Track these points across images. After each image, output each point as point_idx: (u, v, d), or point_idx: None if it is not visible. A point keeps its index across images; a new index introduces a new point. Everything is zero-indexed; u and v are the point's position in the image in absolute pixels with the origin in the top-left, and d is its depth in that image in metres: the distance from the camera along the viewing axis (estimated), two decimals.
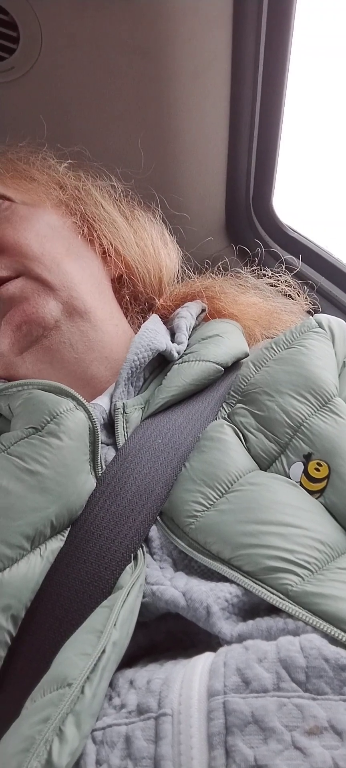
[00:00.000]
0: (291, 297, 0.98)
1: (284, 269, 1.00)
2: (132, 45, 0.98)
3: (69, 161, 0.92)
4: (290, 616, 0.49)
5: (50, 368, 0.75)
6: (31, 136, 0.91)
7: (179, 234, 1.05)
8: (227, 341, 0.80)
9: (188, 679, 0.43)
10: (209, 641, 0.51)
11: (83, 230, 0.86)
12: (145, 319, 0.88)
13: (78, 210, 0.87)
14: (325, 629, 0.47)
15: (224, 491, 0.59)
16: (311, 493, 0.60)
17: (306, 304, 0.99)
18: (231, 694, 0.40)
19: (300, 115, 1.26)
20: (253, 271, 0.99)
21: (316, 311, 1.02)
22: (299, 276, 1.28)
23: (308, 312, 1.01)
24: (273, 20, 0.98)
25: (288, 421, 0.64)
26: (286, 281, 0.98)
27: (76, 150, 0.93)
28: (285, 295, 0.98)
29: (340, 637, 0.46)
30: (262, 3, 0.93)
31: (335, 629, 0.47)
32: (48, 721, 0.40)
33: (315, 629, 0.47)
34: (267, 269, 1.00)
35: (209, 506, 0.58)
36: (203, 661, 0.45)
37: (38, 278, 0.75)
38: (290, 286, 0.98)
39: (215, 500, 0.59)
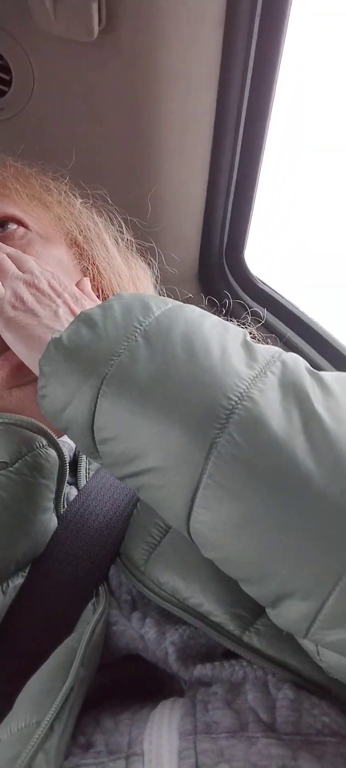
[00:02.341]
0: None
1: (250, 321, 1.02)
2: (122, 97, 1.00)
3: (86, 201, 0.92)
4: (247, 662, 0.48)
5: (34, 407, 0.73)
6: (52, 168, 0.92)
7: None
8: None
9: (158, 720, 0.43)
10: (172, 684, 0.51)
11: (92, 275, 0.86)
12: None
13: (89, 253, 0.88)
14: (283, 674, 0.47)
15: (168, 528, 0.58)
16: None
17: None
18: (202, 734, 0.41)
19: (276, 175, 1.31)
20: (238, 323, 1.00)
21: None
22: (268, 327, 1.33)
23: None
24: (255, 91, 1.02)
25: None
26: (251, 333, 1.00)
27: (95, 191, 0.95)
28: None
29: (299, 681, 0.46)
30: (246, 73, 0.98)
31: (291, 674, 0.47)
32: (18, 759, 0.39)
33: (276, 673, 0.47)
34: (234, 320, 1.02)
35: (157, 543, 0.58)
36: (172, 702, 0.45)
37: None
38: (254, 337, 1.00)
39: (160, 538, 0.58)
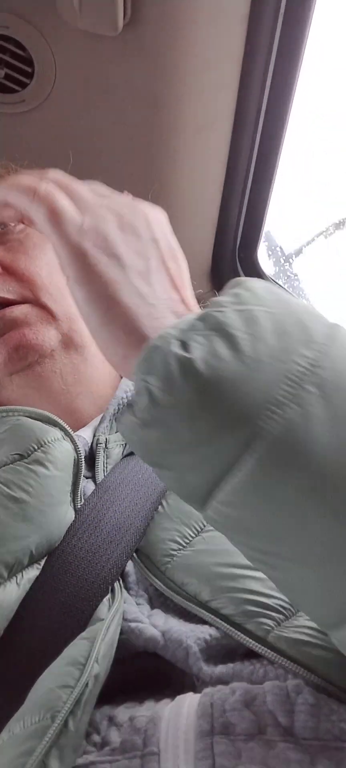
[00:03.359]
0: None
1: None
2: (143, 92, 1.00)
3: None
4: (269, 661, 0.49)
5: (36, 394, 0.74)
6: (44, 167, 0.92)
7: None
8: None
9: (175, 718, 0.43)
10: (182, 681, 0.51)
11: None
12: None
13: None
14: (306, 676, 0.47)
15: (199, 530, 0.59)
16: None
17: None
18: (219, 735, 0.41)
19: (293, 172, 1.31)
20: None
21: None
22: None
23: None
24: (276, 90, 1.02)
25: None
26: None
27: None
28: None
29: (319, 683, 0.46)
30: (267, 70, 0.97)
31: (313, 675, 0.47)
32: (32, 754, 0.40)
33: (296, 675, 0.47)
34: None
35: (185, 545, 0.58)
36: (189, 701, 0.45)
37: (43, 306, 0.75)
38: None
39: (190, 539, 0.58)
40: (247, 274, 1.43)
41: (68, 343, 0.76)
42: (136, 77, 0.98)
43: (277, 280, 1.43)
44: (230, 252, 1.40)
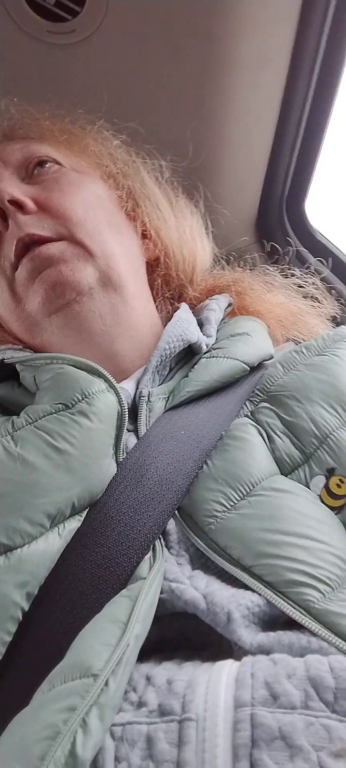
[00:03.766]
0: (318, 300, 0.96)
1: (311, 272, 0.98)
2: (199, 28, 0.96)
3: (122, 137, 0.91)
4: (312, 633, 0.48)
5: (77, 336, 0.74)
6: (90, 104, 0.90)
7: (211, 218, 1.04)
8: (255, 341, 0.79)
9: (214, 686, 0.43)
10: (220, 644, 0.50)
11: (127, 206, 0.86)
12: (172, 306, 0.87)
13: (125, 185, 0.87)
14: None
15: (245, 493, 0.58)
16: (330, 509, 0.59)
17: (333, 310, 0.97)
18: (259, 707, 0.40)
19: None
20: (281, 270, 0.97)
21: (341, 319, 1.01)
22: (325, 282, 1.28)
23: (333, 318, 1.00)
24: (335, 28, 0.97)
25: (315, 431, 0.63)
26: (314, 284, 0.97)
27: (132, 126, 0.92)
28: (312, 298, 0.97)
29: None
30: (327, 10, 0.92)
31: None
32: (74, 711, 0.39)
33: (338, 650, 0.47)
34: (295, 270, 0.98)
35: (230, 507, 0.57)
36: (228, 668, 0.44)
37: (79, 243, 0.74)
38: (318, 289, 0.97)
39: (236, 502, 0.58)
40: (293, 227, 1.39)
41: (106, 281, 0.75)
42: (192, 11, 0.94)
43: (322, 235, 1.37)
44: (278, 202, 1.37)
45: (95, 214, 0.78)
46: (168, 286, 0.89)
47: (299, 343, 0.81)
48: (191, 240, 0.91)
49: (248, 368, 0.74)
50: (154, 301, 0.87)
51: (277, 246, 1.21)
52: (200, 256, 0.92)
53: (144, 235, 0.87)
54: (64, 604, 0.51)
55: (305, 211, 1.39)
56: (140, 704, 0.43)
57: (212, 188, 1.08)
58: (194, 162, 1.01)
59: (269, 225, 1.40)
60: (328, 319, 0.96)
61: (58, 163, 0.82)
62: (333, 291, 1.02)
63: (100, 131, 0.91)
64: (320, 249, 1.35)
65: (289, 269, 0.98)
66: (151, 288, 0.87)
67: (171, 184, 0.94)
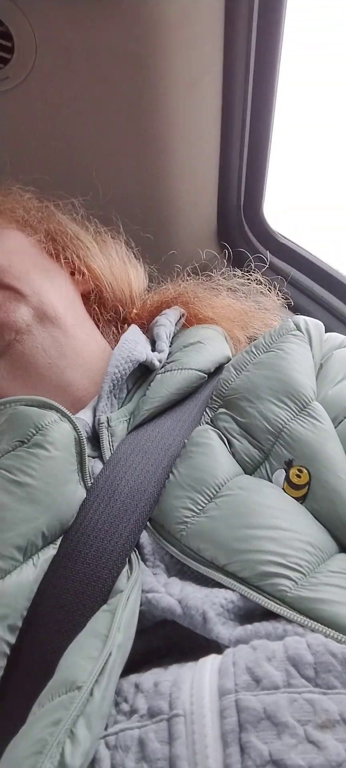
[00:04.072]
0: (264, 294, 0.98)
1: (253, 268, 1.00)
2: (126, 53, 0.98)
3: (30, 188, 0.95)
4: (288, 621, 0.49)
5: (25, 374, 0.75)
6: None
7: (170, 240, 1.06)
8: (208, 347, 0.80)
9: (198, 680, 0.43)
10: (208, 645, 0.51)
11: (48, 247, 0.88)
12: (118, 332, 0.90)
13: (42, 229, 0.90)
14: (325, 632, 0.48)
15: (212, 495, 0.60)
16: (295, 500, 0.61)
17: (279, 300, 0.99)
18: (242, 692, 0.41)
19: (290, 123, 1.28)
20: (235, 274, 0.99)
21: (289, 305, 1.04)
22: (292, 282, 1.30)
23: (288, 305, 1.03)
24: (263, 29, 0.99)
25: (269, 427, 0.65)
26: (256, 279, 0.99)
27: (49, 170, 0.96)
28: (260, 292, 0.99)
29: (341, 639, 0.47)
30: (252, 13, 0.94)
31: (335, 632, 0.48)
32: (59, 723, 0.40)
33: (315, 632, 0.48)
34: (256, 273, 1.00)
35: (198, 511, 0.59)
36: (211, 661, 0.45)
37: (8, 287, 0.76)
38: (260, 283, 0.99)
39: (204, 505, 0.59)
40: (254, 231, 1.41)
41: (42, 316, 0.77)
42: (117, 38, 0.97)
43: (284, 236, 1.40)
44: (235, 209, 1.38)
45: (19, 259, 0.81)
46: (105, 309, 0.91)
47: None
48: (119, 261, 0.93)
49: (205, 375, 0.76)
50: (98, 328, 0.89)
51: (235, 254, 1.23)
52: (134, 274, 0.95)
53: (72, 272, 0.89)
54: (51, 626, 0.52)
55: (263, 215, 1.41)
56: (132, 712, 0.44)
57: (166, 210, 1.11)
58: (139, 188, 1.03)
59: (231, 233, 1.42)
60: (279, 309, 0.98)
61: None
62: (277, 281, 1.03)
63: (9, 188, 0.95)
64: (283, 251, 1.38)
65: (250, 274, 1.00)
66: (92, 316, 0.90)
67: (88, 219, 0.97)
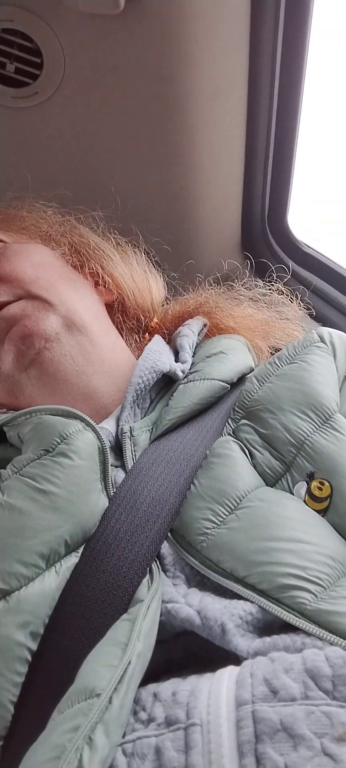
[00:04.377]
0: (285, 304, 0.98)
1: (275, 278, 1.00)
2: (151, 69, 1.00)
3: (52, 204, 0.98)
4: (307, 634, 0.49)
5: (54, 381, 0.76)
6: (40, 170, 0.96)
7: (193, 251, 1.06)
8: (231, 357, 0.81)
9: (215, 690, 0.43)
10: (227, 656, 0.51)
11: (72, 259, 0.91)
12: (140, 341, 0.91)
13: (65, 242, 0.92)
14: (344, 645, 0.47)
15: (233, 507, 0.60)
16: (316, 512, 0.61)
17: (301, 309, 0.99)
18: (259, 703, 0.41)
19: (315, 134, 1.28)
20: (256, 284, 1.00)
21: (311, 315, 1.04)
22: (316, 291, 1.30)
23: (310, 315, 1.02)
24: (288, 43, 1.00)
25: (291, 439, 0.65)
26: (278, 289, 0.98)
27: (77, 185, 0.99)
28: (282, 302, 0.99)
29: None
30: (277, 27, 0.95)
31: None
32: (78, 729, 0.40)
33: (333, 645, 0.48)
34: (279, 283, 1.00)
35: (219, 523, 0.59)
36: (229, 672, 0.45)
37: (37, 297, 0.78)
38: (282, 293, 0.98)
39: (224, 517, 0.59)
40: (278, 242, 1.41)
41: (70, 324, 0.79)
42: (143, 52, 0.98)
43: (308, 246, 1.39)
44: (259, 220, 1.38)
45: (45, 272, 0.83)
46: (128, 318, 0.93)
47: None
48: (139, 269, 0.95)
49: (228, 386, 0.76)
50: (122, 337, 0.90)
51: (261, 265, 1.23)
52: (154, 283, 0.96)
53: (96, 283, 0.91)
54: (72, 633, 0.52)
55: (288, 226, 1.41)
56: (149, 720, 0.44)
57: (189, 221, 1.11)
58: (162, 200, 1.04)
59: (255, 244, 1.42)
60: (300, 318, 0.98)
61: (1, 240, 0.88)
62: (300, 291, 1.03)
63: (32, 204, 0.97)
64: (307, 260, 1.38)
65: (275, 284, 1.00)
66: (116, 325, 0.91)
67: (108, 231, 0.99)
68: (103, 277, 0.91)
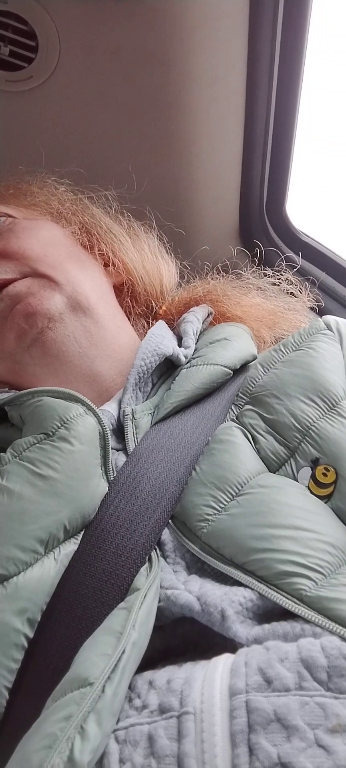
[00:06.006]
0: (294, 295, 0.97)
1: (284, 268, 0.99)
2: (149, 53, 0.99)
3: (64, 181, 0.97)
4: (306, 621, 0.49)
5: (57, 362, 0.76)
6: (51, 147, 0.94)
7: (192, 240, 1.06)
8: (235, 344, 0.80)
9: (210, 679, 0.43)
10: (225, 644, 0.50)
11: (82, 239, 0.89)
12: (148, 326, 0.90)
13: (76, 221, 0.91)
14: (343, 633, 0.47)
15: (234, 494, 0.59)
16: (320, 498, 0.60)
17: (309, 301, 0.98)
18: (253, 692, 0.41)
19: (314, 121, 1.27)
20: (265, 273, 0.99)
21: (319, 308, 1.03)
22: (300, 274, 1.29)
23: (312, 309, 1.01)
24: (288, 28, 0.99)
25: (296, 424, 0.64)
26: (287, 279, 0.98)
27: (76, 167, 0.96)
28: (288, 293, 0.98)
29: None
30: (277, 11, 0.94)
31: None
32: (70, 718, 0.40)
33: (333, 634, 0.47)
34: (281, 273, 1.00)
35: (220, 509, 0.58)
36: (223, 661, 0.45)
37: (43, 275, 0.77)
38: (291, 284, 0.98)
39: (226, 503, 0.59)
40: (276, 230, 1.40)
41: (75, 305, 0.78)
42: (140, 37, 0.97)
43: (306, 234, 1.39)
44: (258, 208, 1.37)
45: (53, 250, 0.81)
46: (137, 303, 0.92)
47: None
48: (151, 255, 0.94)
49: (231, 372, 0.75)
50: (130, 321, 0.89)
51: (257, 252, 1.22)
52: (165, 270, 0.95)
53: (106, 264, 0.90)
54: (69, 621, 0.52)
55: (286, 214, 1.40)
56: (143, 707, 0.44)
57: (190, 207, 1.11)
58: (162, 185, 1.03)
59: (253, 232, 1.42)
60: (311, 309, 0.97)
61: (10, 216, 0.86)
62: (308, 281, 1.02)
63: (44, 180, 0.96)
64: (306, 249, 1.37)
65: (276, 274, 0.99)
66: (124, 309, 0.90)
67: (121, 212, 0.97)
68: (113, 260, 0.90)
